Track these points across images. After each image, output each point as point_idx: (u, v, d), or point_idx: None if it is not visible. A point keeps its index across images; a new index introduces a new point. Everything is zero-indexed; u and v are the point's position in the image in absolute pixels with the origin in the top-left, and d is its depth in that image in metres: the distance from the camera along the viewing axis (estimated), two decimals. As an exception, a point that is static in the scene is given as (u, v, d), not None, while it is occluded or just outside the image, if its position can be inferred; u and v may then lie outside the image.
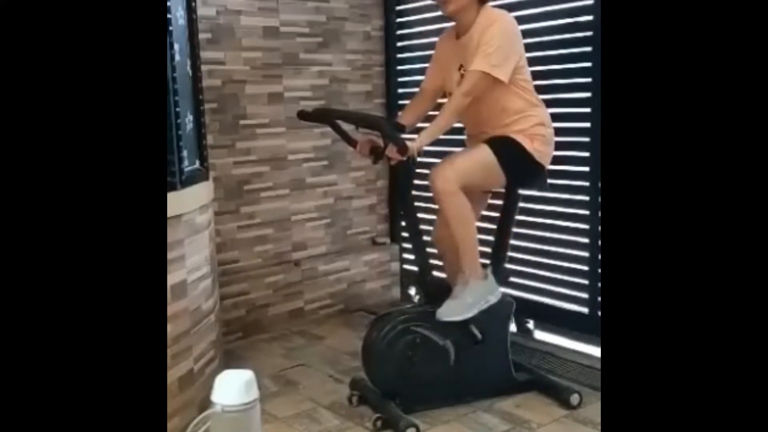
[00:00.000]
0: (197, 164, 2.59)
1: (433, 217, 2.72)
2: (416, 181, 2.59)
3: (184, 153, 2.36)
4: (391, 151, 2.35)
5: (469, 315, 2.44)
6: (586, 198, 3.06)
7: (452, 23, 2.55)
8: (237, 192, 3.42)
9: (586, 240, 3.09)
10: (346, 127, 2.65)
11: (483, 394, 2.58)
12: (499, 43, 2.33)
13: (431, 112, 2.69)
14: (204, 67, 2.87)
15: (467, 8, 2.38)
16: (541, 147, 2.46)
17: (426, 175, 2.51)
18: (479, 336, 2.51)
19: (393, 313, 2.58)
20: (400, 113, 2.82)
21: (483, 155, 2.43)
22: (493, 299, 2.50)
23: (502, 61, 2.32)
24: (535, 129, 2.45)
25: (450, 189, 2.37)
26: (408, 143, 2.32)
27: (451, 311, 2.43)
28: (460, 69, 2.45)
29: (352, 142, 2.64)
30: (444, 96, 2.61)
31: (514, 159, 2.45)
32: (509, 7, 2.82)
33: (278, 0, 3.45)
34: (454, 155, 2.47)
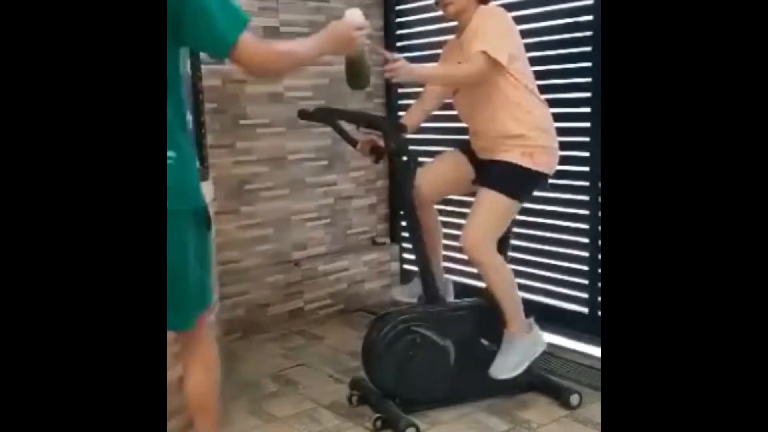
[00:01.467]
0: (197, 164, 2.58)
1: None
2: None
3: (184, 153, 2.35)
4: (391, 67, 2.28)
5: (520, 371, 2.48)
6: (586, 198, 3.06)
7: (453, 23, 2.55)
8: (237, 192, 3.42)
9: (586, 240, 3.09)
10: (347, 126, 2.65)
11: (483, 394, 2.58)
12: (493, 29, 2.33)
13: (437, 112, 2.70)
14: (204, 67, 2.87)
15: (467, 9, 2.39)
16: (543, 158, 2.43)
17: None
18: (493, 348, 2.51)
19: (393, 313, 2.57)
20: (402, 113, 2.82)
21: (497, 202, 2.42)
22: (540, 349, 2.53)
23: (498, 44, 2.31)
24: (534, 137, 2.42)
25: (487, 254, 2.43)
26: (402, 63, 2.27)
27: (503, 370, 2.47)
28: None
29: (352, 142, 2.64)
30: (448, 97, 2.62)
31: (520, 185, 2.45)
32: (509, 7, 2.81)
33: (278, 0, 3.45)
34: (474, 213, 2.43)
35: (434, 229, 2.68)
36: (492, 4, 2.50)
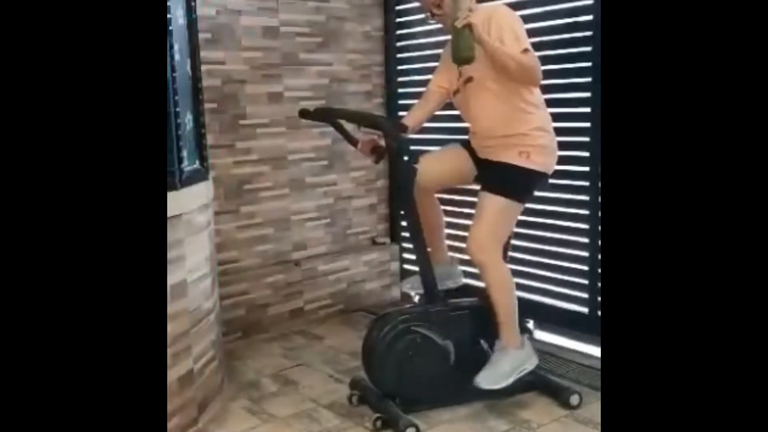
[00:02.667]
0: (197, 164, 2.59)
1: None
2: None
3: (184, 153, 2.36)
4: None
5: (506, 384, 2.43)
6: (586, 198, 3.06)
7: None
8: (237, 192, 3.42)
9: (586, 240, 3.09)
10: (348, 126, 2.65)
11: (483, 394, 2.58)
12: (520, 29, 2.32)
13: (438, 112, 2.69)
14: (204, 67, 2.87)
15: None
16: (540, 158, 2.43)
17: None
18: (489, 352, 2.49)
19: (393, 313, 2.57)
20: (401, 113, 2.82)
21: (499, 205, 2.42)
22: (529, 367, 2.49)
23: (525, 40, 2.31)
24: (534, 136, 2.42)
25: (492, 258, 2.42)
26: (469, 20, 2.20)
27: (489, 380, 2.41)
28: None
29: (353, 142, 2.64)
30: (449, 98, 2.61)
31: (520, 186, 2.45)
32: (509, 7, 2.81)
33: (278, 0, 3.45)
34: (478, 218, 2.43)
35: (434, 216, 2.67)
36: (494, 5, 2.50)
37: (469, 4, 2.24)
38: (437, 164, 2.61)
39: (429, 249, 2.69)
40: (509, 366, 2.43)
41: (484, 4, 2.45)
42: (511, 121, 2.41)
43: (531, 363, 2.50)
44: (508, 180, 2.43)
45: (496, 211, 2.43)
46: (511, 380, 2.44)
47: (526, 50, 2.28)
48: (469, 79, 2.43)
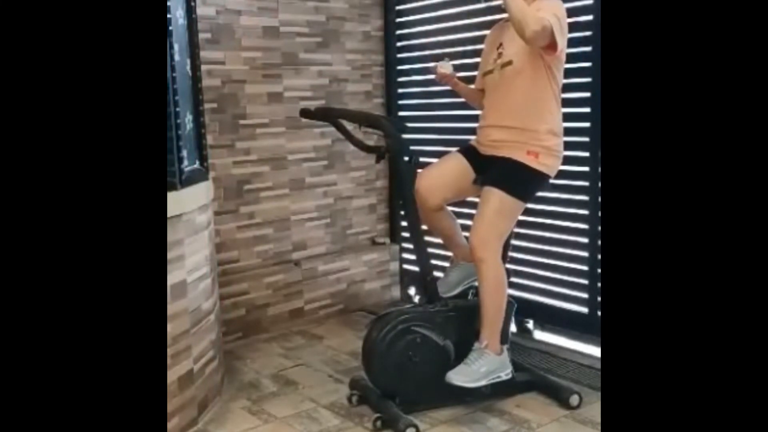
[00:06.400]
0: (197, 164, 2.59)
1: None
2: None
3: (184, 153, 2.36)
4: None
5: (479, 385, 2.42)
6: (586, 198, 3.06)
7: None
8: (237, 192, 3.42)
9: (586, 240, 3.09)
10: (348, 126, 2.66)
11: (483, 395, 2.58)
12: (562, 19, 2.31)
13: (437, 112, 2.68)
14: (204, 67, 2.87)
15: None
16: (547, 160, 2.44)
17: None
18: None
19: (393, 313, 2.57)
20: (401, 113, 2.81)
21: (502, 202, 2.42)
22: (504, 377, 2.47)
23: (561, 31, 2.29)
24: (546, 137, 2.43)
25: (492, 255, 2.41)
26: None
27: (462, 377, 2.40)
28: (498, 48, 2.46)
29: (354, 141, 2.65)
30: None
31: (524, 184, 2.46)
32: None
33: (278, 0, 3.45)
34: (481, 213, 2.43)
35: (446, 225, 2.67)
36: (492, 4, 2.49)
37: None
38: (439, 181, 2.59)
39: (451, 252, 2.71)
40: (485, 368, 2.42)
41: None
42: (534, 112, 2.41)
43: (506, 373, 2.48)
44: (512, 177, 2.43)
45: (498, 208, 2.42)
46: (483, 383, 2.42)
47: (550, 23, 2.22)
48: (508, 63, 2.42)
